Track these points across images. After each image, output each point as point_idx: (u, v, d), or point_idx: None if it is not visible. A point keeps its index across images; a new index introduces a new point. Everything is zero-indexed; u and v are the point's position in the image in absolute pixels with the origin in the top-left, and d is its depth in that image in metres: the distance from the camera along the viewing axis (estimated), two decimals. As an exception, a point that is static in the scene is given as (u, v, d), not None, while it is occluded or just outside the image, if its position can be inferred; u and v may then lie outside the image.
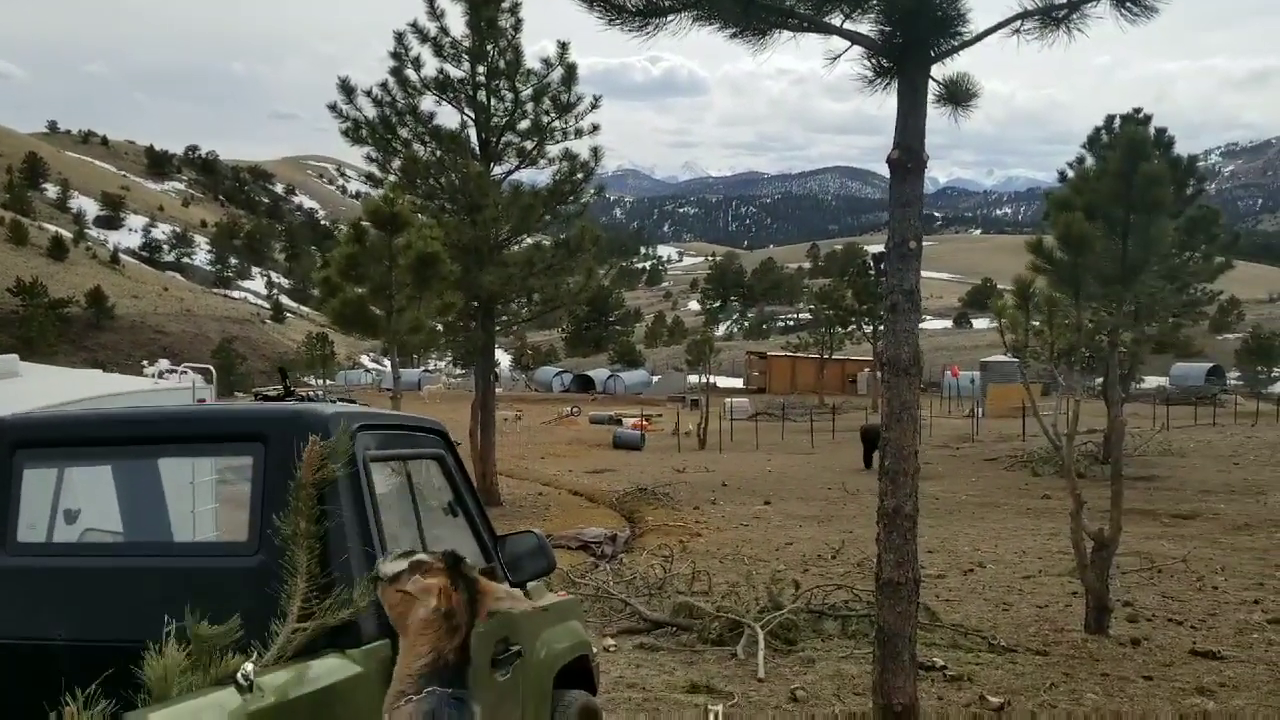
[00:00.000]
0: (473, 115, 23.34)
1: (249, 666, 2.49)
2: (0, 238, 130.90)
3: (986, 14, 4.85)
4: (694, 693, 7.38)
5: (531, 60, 23.10)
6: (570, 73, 23.00)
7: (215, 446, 3.79)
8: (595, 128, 23.46)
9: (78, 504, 4.38)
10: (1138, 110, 24.88)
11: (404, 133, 23.12)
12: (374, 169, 23.80)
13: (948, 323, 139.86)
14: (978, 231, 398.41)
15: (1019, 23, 4.75)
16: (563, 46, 22.94)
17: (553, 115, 23.20)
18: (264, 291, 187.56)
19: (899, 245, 4.89)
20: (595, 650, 5.06)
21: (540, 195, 23.66)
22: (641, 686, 7.54)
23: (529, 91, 23.09)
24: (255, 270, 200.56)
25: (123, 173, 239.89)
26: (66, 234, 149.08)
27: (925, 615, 8.70)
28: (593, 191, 24.80)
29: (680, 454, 33.79)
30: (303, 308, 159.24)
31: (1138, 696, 7.09)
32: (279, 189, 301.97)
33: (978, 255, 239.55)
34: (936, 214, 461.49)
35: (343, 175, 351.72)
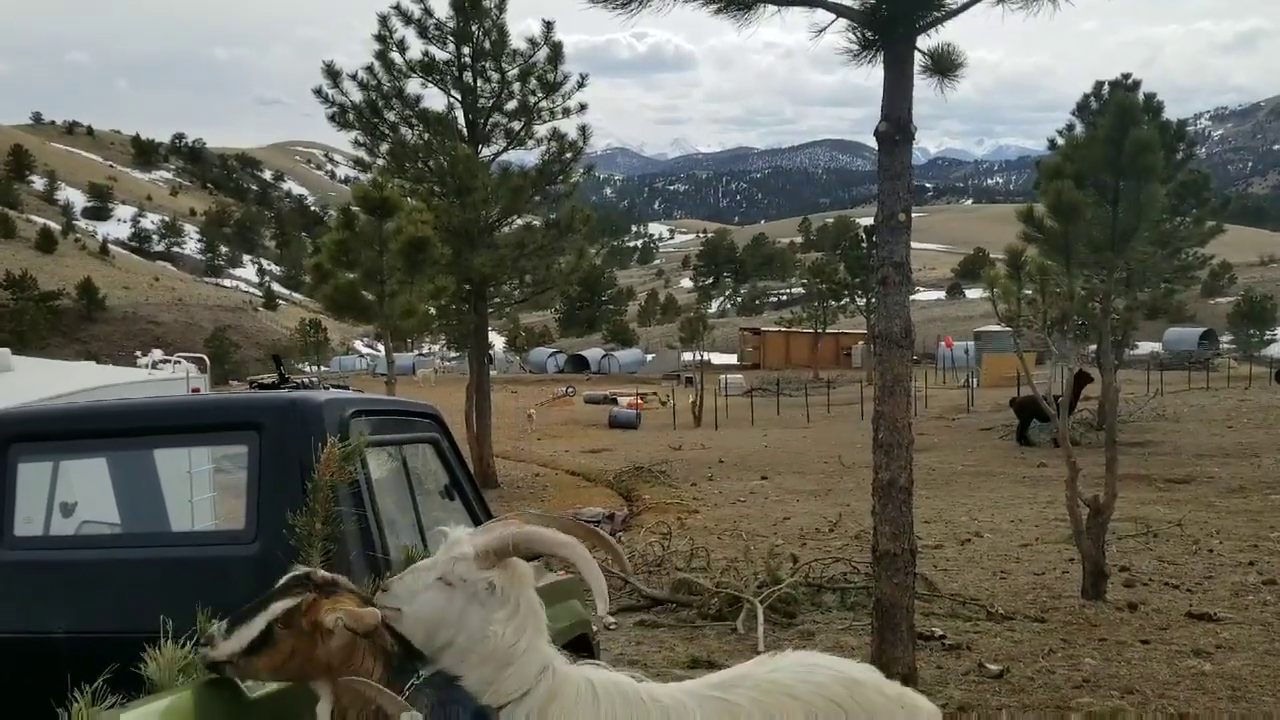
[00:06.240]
0: (459, 97, 23.24)
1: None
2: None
3: (971, -17, 4.83)
4: (695, 668, 7.41)
5: (517, 40, 23.03)
6: (556, 51, 22.89)
7: (210, 436, 3.80)
8: (583, 106, 23.39)
9: (74, 497, 4.39)
10: (1126, 76, 24.95)
11: (391, 116, 23.01)
12: (362, 153, 23.72)
13: (941, 294, 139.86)
14: (969, 201, 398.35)
15: (1003, -8, 4.74)
16: (548, 25, 22.84)
17: (540, 95, 23.10)
18: (256, 279, 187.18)
19: (889, 218, 4.89)
20: (595, 628, 5.08)
21: (529, 176, 23.58)
22: (643, 663, 7.58)
23: (515, 72, 23.00)
24: (246, 258, 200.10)
25: (109, 163, 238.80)
26: (55, 226, 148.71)
27: (923, 585, 8.74)
28: (582, 171, 24.72)
29: (676, 431, 33.84)
30: (295, 294, 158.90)
31: (1135, 660, 7.14)
32: (267, 176, 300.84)
33: (970, 225, 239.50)
34: (928, 185, 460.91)
35: (331, 160, 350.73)
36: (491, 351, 40.15)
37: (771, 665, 2.82)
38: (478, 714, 2.49)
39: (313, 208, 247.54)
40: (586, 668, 2.72)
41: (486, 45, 22.76)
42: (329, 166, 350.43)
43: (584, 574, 2.64)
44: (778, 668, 2.80)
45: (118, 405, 3.81)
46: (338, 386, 3.77)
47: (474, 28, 22.61)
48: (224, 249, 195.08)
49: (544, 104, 23.20)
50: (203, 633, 2.39)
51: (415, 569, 2.62)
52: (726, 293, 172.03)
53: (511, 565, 2.63)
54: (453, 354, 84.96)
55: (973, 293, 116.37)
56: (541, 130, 23.52)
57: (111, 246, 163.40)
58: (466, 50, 22.80)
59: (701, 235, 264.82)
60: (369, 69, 22.61)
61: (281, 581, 2.42)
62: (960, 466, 21.08)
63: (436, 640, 2.55)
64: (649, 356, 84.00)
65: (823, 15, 4.81)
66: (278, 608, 2.34)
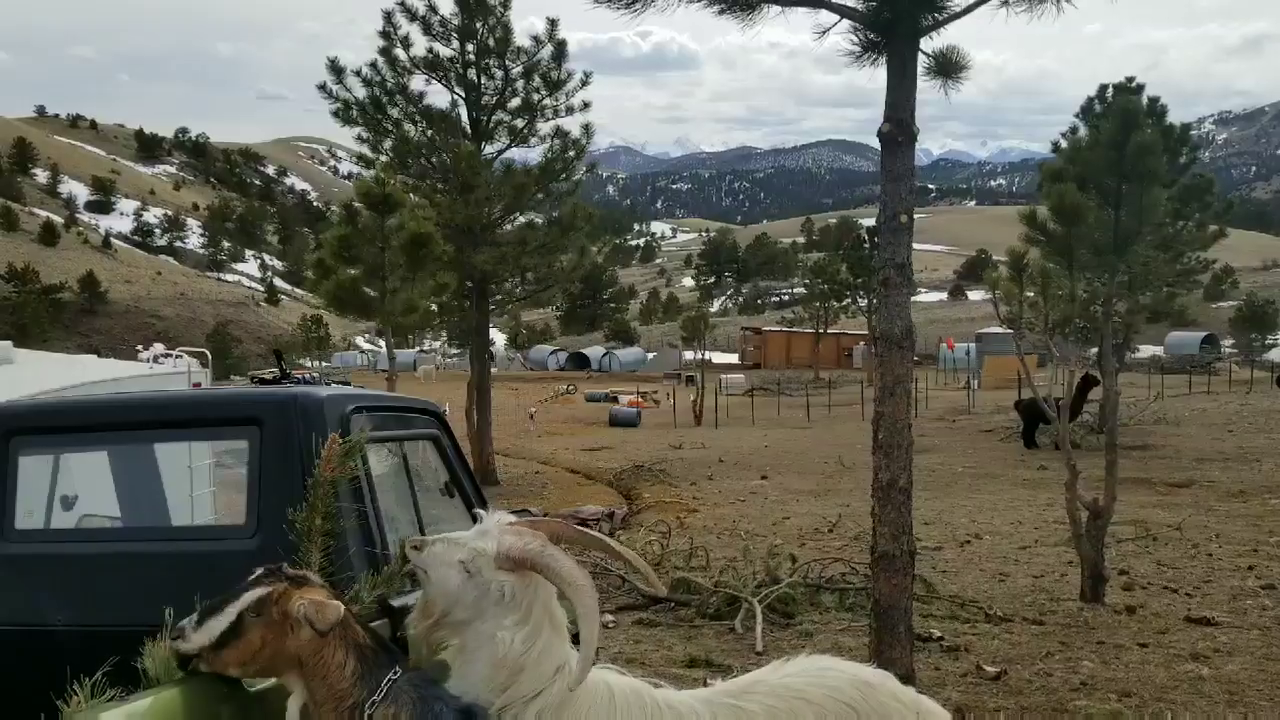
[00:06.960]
0: (463, 94, 23.24)
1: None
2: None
3: (975, -14, 4.82)
4: (693, 667, 7.42)
5: (521, 37, 23.04)
6: (560, 49, 22.89)
7: (211, 431, 3.81)
8: (586, 104, 23.38)
9: (75, 490, 4.39)
10: (1130, 79, 24.86)
11: (394, 113, 23.01)
12: (365, 150, 23.71)
13: (943, 295, 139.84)
14: (972, 203, 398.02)
15: (1007, -6, 4.75)
16: (552, 23, 22.82)
17: (543, 92, 23.10)
18: (258, 274, 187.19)
19: (891, 219, 4.89)
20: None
21: (532, 174, 23.58)
22: (641, 661, 7.58)
23: (519, 69, 23.00)
24: (249, 253, 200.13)
25: (113, 156, 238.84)
26: (57, 219, 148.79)
27: (922, 587, 8.74)
28: (585, 169, 24.71)
29: (676, 430, 33.84)
30: (297, 290, 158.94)
31: (1133, 664, 7.14)
32: (270, 171, 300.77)
33: (972, 227, 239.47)
34: (930, 186, 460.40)
35: (334, 156, 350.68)
36: (492, 349, 40.15)
37: (784, 670, 2.82)
38: (462, 712, 2.45)
39: (315, 203, 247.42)
40: (605, 671, 2.71)
41: (491, 42, 22.77)
42: (332, 162, 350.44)
43: (581, 624, 2.52)
44: (790, 672, 2.80)
45: (119, 399, 3.82)
46: (339, 382, 3.78)
47: (478, 25, 22.62)
48: (226, 244, 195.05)
49: (547, 101, 23.20)
50: (174, 626, 2.37)
51: (450, 540, 2.59)
52: (728, 292, 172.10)
53: (532, 574, 2.56)
54: (454, 351, 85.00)
55: (974, 294, 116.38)
56: (545, 128, 23.56)
57: (114, 240, 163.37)
58: (470, 47, 22.81)
59: (704, 234, 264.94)
60: (373, 65, 22.63)
61: (253, 575, 2.41)
62: (960, 468, 21.07)
63: (455, 614, 2.54)
64: (650, 355, 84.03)
65: (826, 16, 4.81)
66: (249, 596, 2.33)
